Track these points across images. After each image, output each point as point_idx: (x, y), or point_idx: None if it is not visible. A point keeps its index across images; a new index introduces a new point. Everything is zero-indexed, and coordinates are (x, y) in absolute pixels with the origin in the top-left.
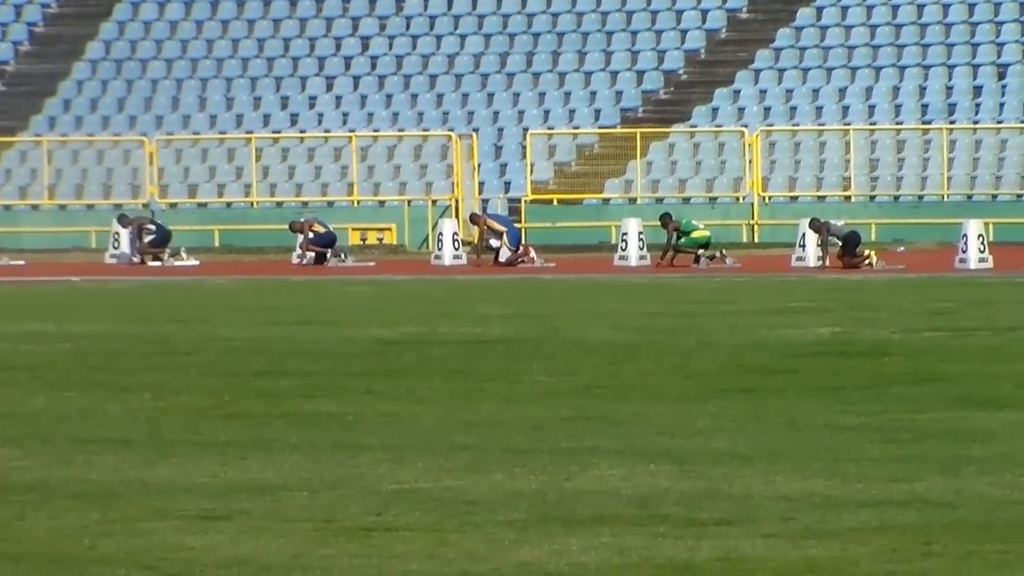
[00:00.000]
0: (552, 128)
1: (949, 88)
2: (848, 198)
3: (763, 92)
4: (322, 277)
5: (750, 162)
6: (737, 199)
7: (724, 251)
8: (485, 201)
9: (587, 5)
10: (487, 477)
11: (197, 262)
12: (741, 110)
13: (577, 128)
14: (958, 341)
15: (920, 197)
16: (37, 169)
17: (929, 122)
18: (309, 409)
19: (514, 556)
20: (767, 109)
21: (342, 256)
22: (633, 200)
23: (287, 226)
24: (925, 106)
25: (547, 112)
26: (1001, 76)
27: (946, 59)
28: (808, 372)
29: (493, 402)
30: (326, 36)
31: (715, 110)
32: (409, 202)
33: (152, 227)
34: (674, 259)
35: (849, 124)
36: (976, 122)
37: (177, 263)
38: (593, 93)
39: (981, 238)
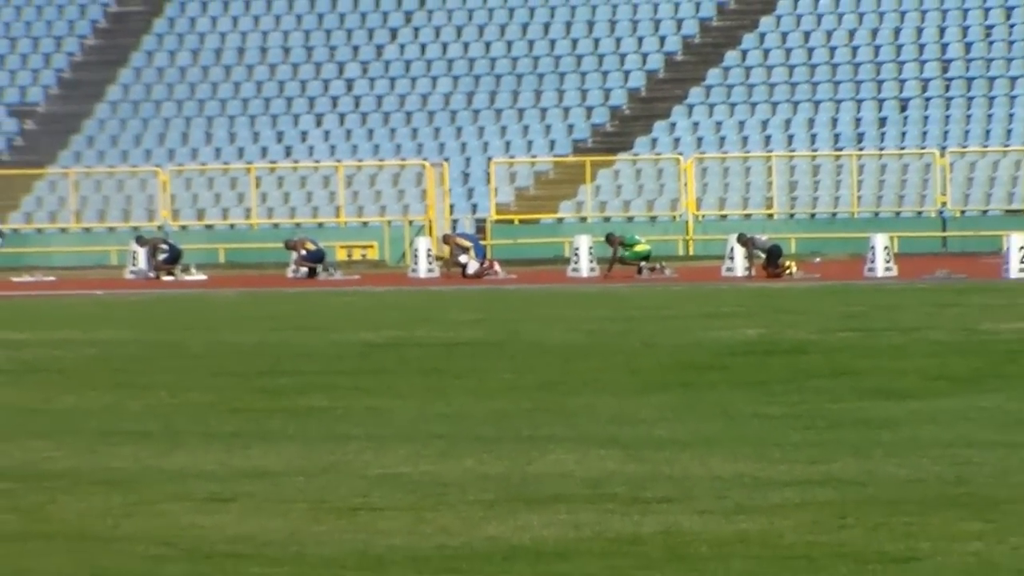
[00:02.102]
0: (513, 157)
1: (858, 119)
2: (771, 216)
3: (696, 124)
4: (313, 289)
5: (685, 185)
6: (674, 217)
7: (663, 263)
8: (455, 221)
9: (543, 50)
10: (459, 462)
11: (205, 277)
12: (677, 140)
13: (535, 157)
14: (868, 340)
15: (834, 214)
16: (65, 197)
17: (841, 149)
18: (303, 404)
19: (483, 531)
20: (700, 139)
21: (331, 270)
22: (584, 219)
23: (283, 244)
24: (837, 135)
25: (508, 143)
26: (903, 108)
27: (855, 94)
28: (738, 368)
29: (464, 396)
30: (316, 79)
31: (655, 140)
32: (389, 222)
33: (165, 246)
34: (611, 268)
35: (771, 152)
36: (882, 149)
37: (187, 278)
38: (548, 126)
39: (887, 250)
